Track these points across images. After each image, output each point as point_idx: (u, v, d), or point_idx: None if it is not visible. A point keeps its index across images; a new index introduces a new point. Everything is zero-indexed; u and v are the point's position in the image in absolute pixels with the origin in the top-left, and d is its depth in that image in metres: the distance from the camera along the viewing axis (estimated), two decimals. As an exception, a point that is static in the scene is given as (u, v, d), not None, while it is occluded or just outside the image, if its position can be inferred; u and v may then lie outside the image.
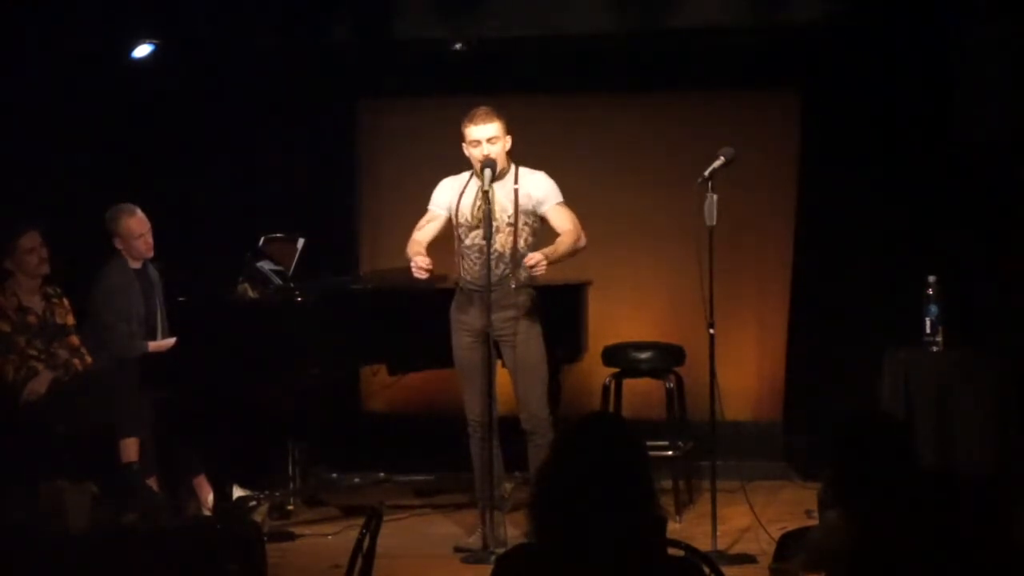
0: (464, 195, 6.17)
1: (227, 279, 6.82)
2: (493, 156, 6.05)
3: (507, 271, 6.13)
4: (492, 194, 6.03)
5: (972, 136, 7.12)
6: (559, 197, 6.18)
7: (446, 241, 6.29)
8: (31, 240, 6.61)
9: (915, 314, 6.54)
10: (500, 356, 6.24)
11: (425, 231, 6.23)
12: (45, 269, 6.66)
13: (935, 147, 7.30)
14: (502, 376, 6.30)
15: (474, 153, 6.10)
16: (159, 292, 6.92)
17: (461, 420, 6.31)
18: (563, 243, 6.10)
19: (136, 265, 6.84)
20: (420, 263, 6.06)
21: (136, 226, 6.80)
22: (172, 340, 6.72)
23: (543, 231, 6.23)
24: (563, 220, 6.16)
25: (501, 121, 6.10)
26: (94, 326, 6.78)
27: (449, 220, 6.22)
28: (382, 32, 7.92)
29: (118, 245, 6.81)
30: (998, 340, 6.78)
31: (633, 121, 7.98)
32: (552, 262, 6.01)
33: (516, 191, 6.14)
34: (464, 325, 6.22)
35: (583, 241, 6.18)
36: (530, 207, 6.14)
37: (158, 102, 7.79)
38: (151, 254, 6.86)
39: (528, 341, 6.18)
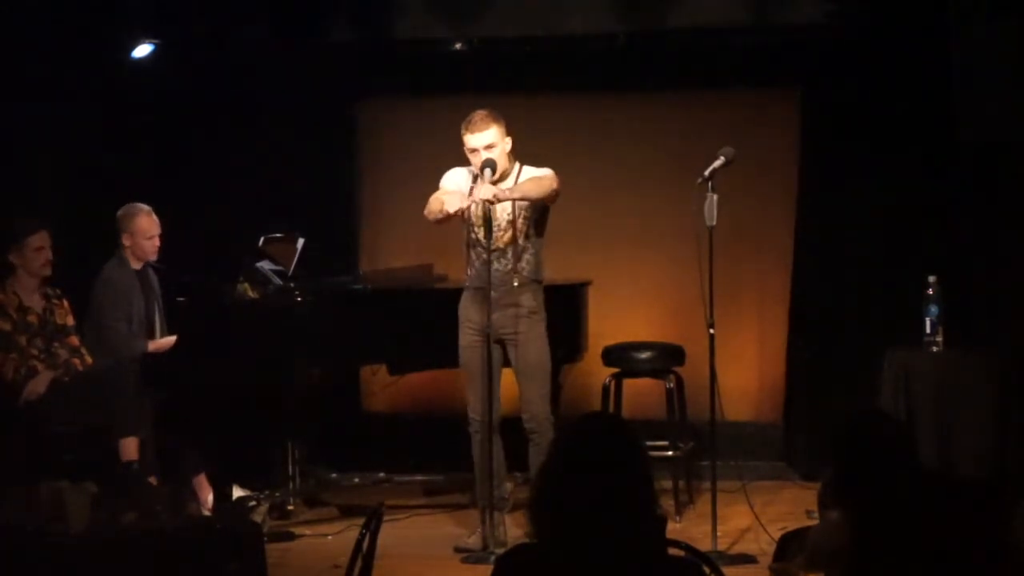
0: (472, 190, 6.16)
1: (227, 279, 6.82)
2: (493, 158, 6.04)
3: (509, 267, 6.14)
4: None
5: (972, 136, 7.12)
6: (546, 172, 6.15)
7: (450, 240, 6.29)
8: (41, 239, 6.62)
9: (915, 314, 6.54)
10: (505, 355, 6.25)
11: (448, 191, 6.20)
12: (48, 271, 6.66)
13: (935, 147, 7.29)
14: (508, 376, 6.31)
15: (473, 160, 6.10)
16: (157, 294, 6.94)
17: (462, 420, 6.31)
18: (523, 184, 6.08)
19: (136, 266, 6.85)
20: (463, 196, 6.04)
21: (150, 227, 6.83)
22: (172, 338, 6.73)
23: (544, 224, 6.24)
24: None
25: (499, 125, 6.08)
26: (94, 326, 6.78)
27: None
28: (382, 32, 7.92)
29: (126, 242, 6.81)
30: (998, 340, 6.78)
31: (633, 121, 7.97)
32: (513, 199, 6.03)
33: (516, 188, 6.16)
34: (469, 323, 6.22)
35: (547, 181, 6.09)
36: (527, 202, 6.14)
37: (158, 102, 7.78)
38: (155, 257, 6.87)
39: (530, 340, 6.19)
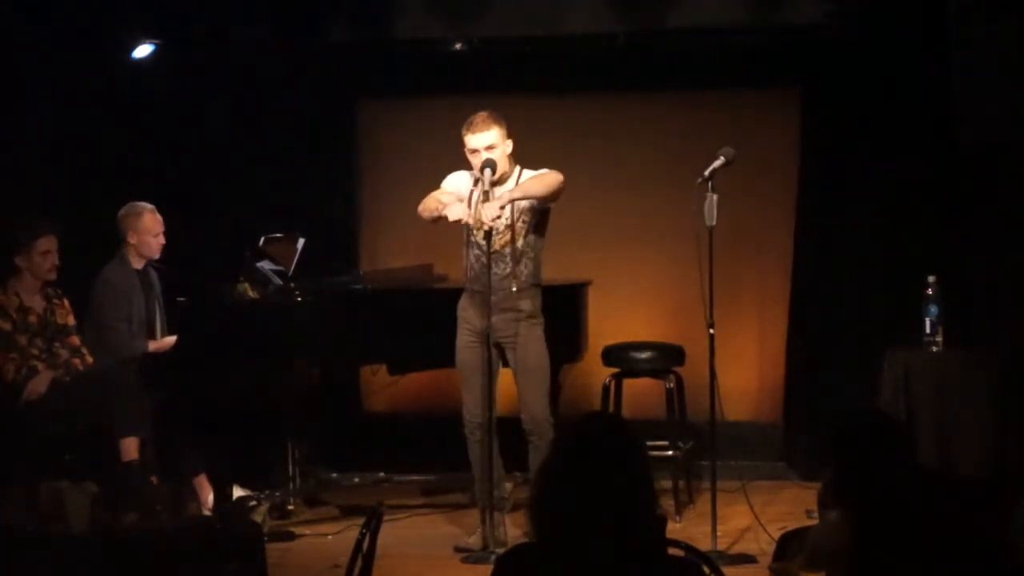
0: (473, 193, 6.16)
1: (227, 279, 6.82)
2: (493, 159, 6.04)
3: (508, 271, 6.13)
4: (492, 196, 6.02)
5: (972, 136, 7.12)
6: (545, 170, 6.15)
7: (450, 240, 6.27)
8: (48, 243, 6.62)
9: (915, 314, 6.54)
10: (503, 357, 6.25)
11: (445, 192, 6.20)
12: (53, 275, 6.66)
13: (935, 147, 7.29)
14: (506, 377, 6.30)
15: (473, 161, 6.10)
16: (158, 294, 6.94)
17: (461, 420, 6.31)
18: (526, 182, 6.09)
19: (139, 265, 6.86)
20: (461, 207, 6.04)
21: (154, 224, 6.85)
22: (173, 339, 6.73)
23: (544, 227, 6.24)
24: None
25: (500, 126, 6.07)
26: (95, 326, 6.78)
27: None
28: (382, 32, 7.92)
29: (131, 240, 6.82)
30: (998, 340, 6.78)
31: (633, 121, 7.97)
32: (516, 199, 6.02)
33: (515, 191, 6.14)
34: (467, 324, 6.22)
35: (551, 177, 6.08)
36: (527, 205, 6.14)
37: (158, 102, 7.78)
38: (158, 255, 6.88)
39: (529, 343, 6.18)
